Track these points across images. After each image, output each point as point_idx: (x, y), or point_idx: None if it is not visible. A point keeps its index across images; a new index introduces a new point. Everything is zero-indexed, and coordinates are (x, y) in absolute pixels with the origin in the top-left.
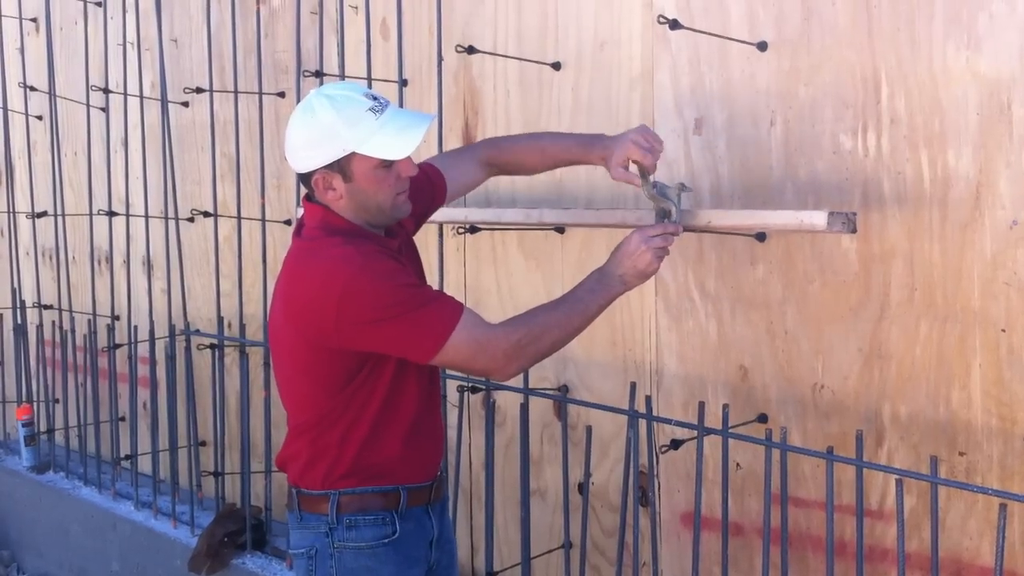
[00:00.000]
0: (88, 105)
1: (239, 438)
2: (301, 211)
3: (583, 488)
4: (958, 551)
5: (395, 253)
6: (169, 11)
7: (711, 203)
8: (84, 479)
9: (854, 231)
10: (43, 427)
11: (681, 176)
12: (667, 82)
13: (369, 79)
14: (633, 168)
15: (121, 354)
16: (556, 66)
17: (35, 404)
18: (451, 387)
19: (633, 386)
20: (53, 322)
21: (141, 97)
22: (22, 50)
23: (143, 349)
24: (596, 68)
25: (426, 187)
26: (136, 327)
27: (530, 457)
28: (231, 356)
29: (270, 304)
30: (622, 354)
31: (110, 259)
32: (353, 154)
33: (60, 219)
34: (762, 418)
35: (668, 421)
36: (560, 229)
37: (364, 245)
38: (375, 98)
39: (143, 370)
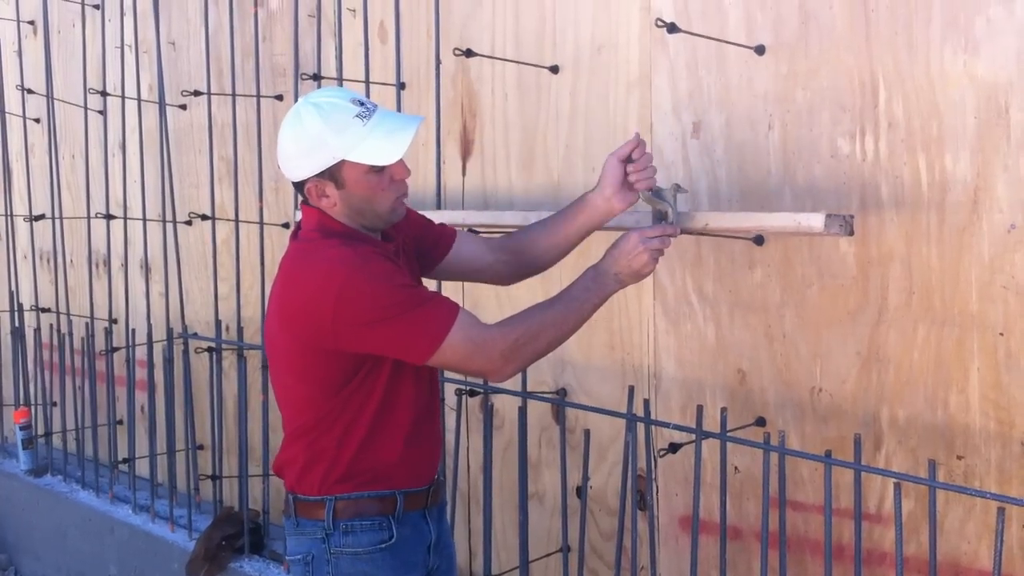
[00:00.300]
0: (86, 108)
1: (237, 442)
2: (299, 214)
3: (581, 492)
4: (956, 555)
5: (392, 255)
6: (167, 14)
7: (709, 207)
8: (82, 482)
9: (851, 233)
10: (41, 430)
11: (679, 180)
12: (665, 86)
13: (367, 82)
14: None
15: (119, 357)
16: (554, 69)
17: (33, 407)
18: (449, 391)
19: (631, 390)
20: (51, 325)
21: (139, 100)
22: (20, 53)
23: (141, 352)
24: (594, 72)
25: (435, 228)
26: (134, 330)
27: (528, 461)
28: (229, 359)
29: (266, 307)
30: (620, 358)
31: (108, 262)
32: (343, 161)
33: (58, 222)
34: (760, 422)
35: (666, 425)
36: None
37: (361, 247)
38: (362, 103)
39: (141, 373)
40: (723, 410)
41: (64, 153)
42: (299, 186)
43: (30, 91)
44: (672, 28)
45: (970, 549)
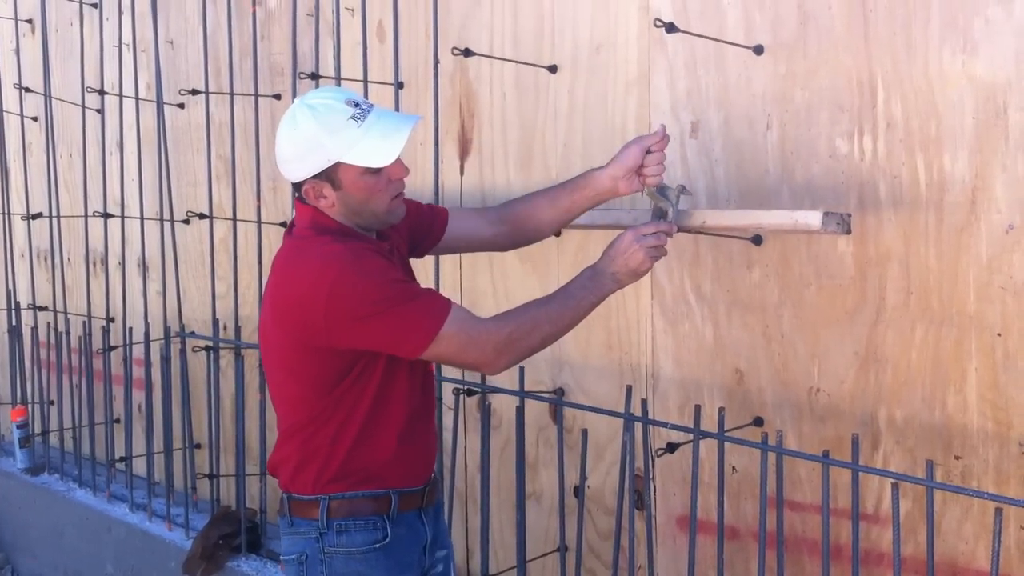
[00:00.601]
0: (84, 107)
1: (234, 440)
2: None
3: (579, 491)
4: (954, 555)
5: (386, 253)
6: (165, 13)
7: (707, 206)
8: (79, 481)
9: (848, 232)
10: (38, 429)
11: (677, 179)
12: (663, 85)
13: (365, 81)
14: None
15: (116, 356)
16: (552, 69)
17: (30, 406)
18: (447, 390)
19: (629, 389)
20: (48, 324)
21: (137, 99)
22: (17, 51)
23: (138, 351)
24: (592, 71)
25: (426, 214)
26: (131, 329)
27: (526, 460)
28: (226, 358)
29: (261, 305)
30: (618, 357)
31: (105, 261)
32: (339, 163)
33: (55, 221)
34: (758, 421)
35: (664, 424)
36: (556, 231)
37: (353, 243)
38: (357, 104)
39: (138, 372)
40: (721, 410)
41: (62, 152)
42: (297, 187)
43: (28, 90)
44: (671, 28)
45: (967, 549)
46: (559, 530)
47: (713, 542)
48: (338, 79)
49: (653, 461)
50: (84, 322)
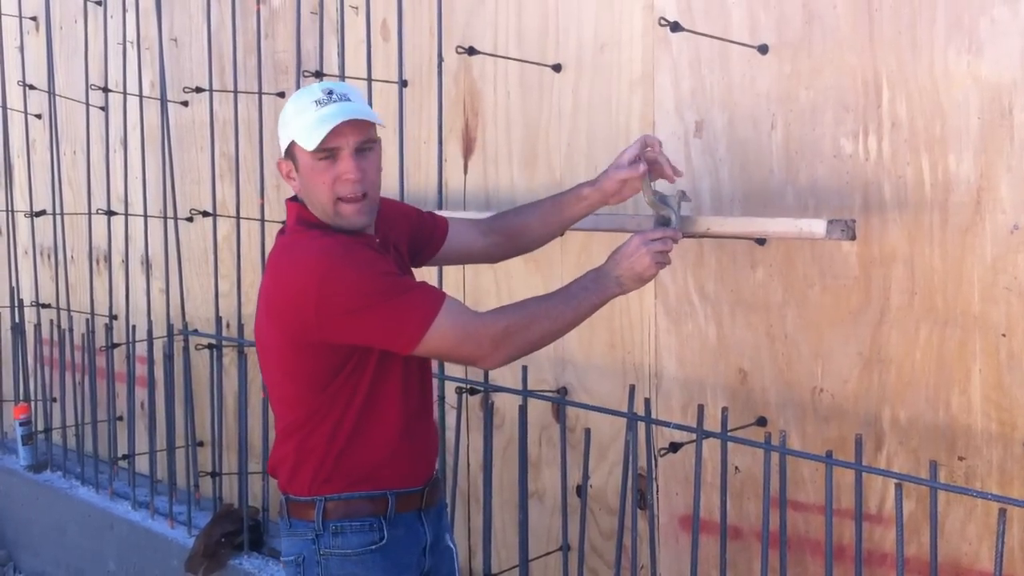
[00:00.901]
0: (87, 104)
1: (237, 438)
2: None
3: (581, 491)
4: (957, 556)
5: (377, 247)
6: (169, 10)
7: (711, 206)
8: (81, 479)
9: (853, 238)
10: (40, 426)
11: (681, 179)
12: (668, 85)
13: (369, 80)
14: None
15: (119, 353)
16: (556, 68)
17: (33, 403)
18: (449, 388)
19: (632, 389)
20: (51, 321)
21: (141, 96)
22: (22, 48)
23: (141, 349)
24: (596, 70)
25: (428, 221)
26: (134, 327)
27: (528, 459)
28: (229, 356)
29: (256, 304)
30: (621, 357)
31: (108, 258)
32: (294, 142)
33: (59, 218)
34: (761, 421)
35: (667, 424)
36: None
37: (343, 237)
38: (330, 92)
39: (141, 370)
40: (724, 410)
41: (65, 149)
42: None
43: (32, 87)
44: (675, 27)
45: (971, 550)
46: (562, 529)
47: (716, 542)
48: (342, 77)
49: (656, 461)
50: (87, 319)
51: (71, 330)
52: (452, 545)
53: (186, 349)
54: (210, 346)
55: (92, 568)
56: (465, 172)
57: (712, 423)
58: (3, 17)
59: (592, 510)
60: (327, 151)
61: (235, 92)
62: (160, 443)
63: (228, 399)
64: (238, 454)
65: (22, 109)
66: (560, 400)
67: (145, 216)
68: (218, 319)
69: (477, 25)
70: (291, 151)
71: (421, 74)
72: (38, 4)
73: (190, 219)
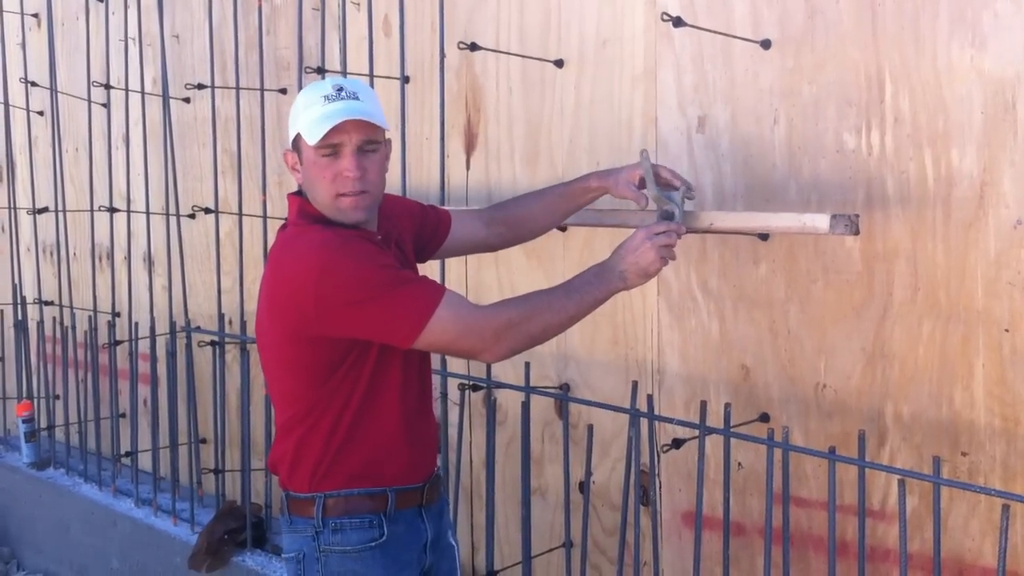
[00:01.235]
0: (89, 101)
1: (239, 435)
2: None
3: (584, 487)
4: (960, 552)
5: (377, 241)
6: (171, 7)
7: (714, 201)
8: (84, 476)
9: (857, 233)
10: (43, 423)
11: (684, 174)
12: (670, 80)
13: (371, 76)
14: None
15: (122, 351)
16: (559, 63)
17: (35, 400)
18: (452, 385)
19: (635, 385)
20: (54, 318)
21: (143, 93)
22: (23, 45)
23: (144, 346)
24: (599, 65)
25: (431, 216)
26: (137, 324)
27: (531, 455)
28: (232, 353)
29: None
30: (624, 353)
31: (111, 255)
32: (299, 135)
33: (61, 215)
34: (764, 417)
35: (670, 420)
36: (562, 227)
37: (343, 230)
38: (340, 88)
39: (144, 367)
40: (727, 406)
41: (67, 146)
42: None
43: (34, 84)
44: (678, 22)
45: (974, 546)
46: (564, 526)
47: (719, 538)
48: (344, 74)
49: (659, 457)
50: (90, 317)
51: (74, 327)
52: (454, 543)
53: (188, 346)
54: (213, 343)
55: (95, 565)
56: (467, 168)
57: (715, 419)
58: (5, 14)
59: (595, 506)
60: (330, 147)
61: (237, 88)
62: (163, 440)
63: (231, 396)
64: (241, 451)
65: (24, 106)
66: (563, 396)
67: (147, 213)
68: (220, 316)
69: (479, 21)
70: (297, 143)
71: (423, 70)
72: (40, 1)
73: (192, 216)
